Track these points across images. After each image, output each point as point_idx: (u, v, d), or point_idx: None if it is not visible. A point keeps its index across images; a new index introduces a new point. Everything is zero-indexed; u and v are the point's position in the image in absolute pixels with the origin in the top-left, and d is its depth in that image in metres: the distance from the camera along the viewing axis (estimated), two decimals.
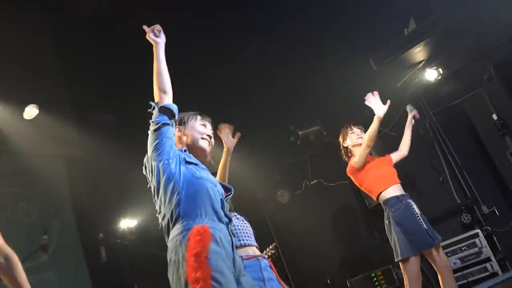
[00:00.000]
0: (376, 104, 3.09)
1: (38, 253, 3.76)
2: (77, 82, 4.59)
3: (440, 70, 4.46)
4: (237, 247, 2.23)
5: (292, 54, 4.86)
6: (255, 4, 4.59)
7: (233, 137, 2.72)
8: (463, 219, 4.28)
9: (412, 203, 3.16)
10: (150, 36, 1.95)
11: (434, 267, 3.16)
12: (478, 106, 4.21)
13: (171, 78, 1.91)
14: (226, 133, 2.70)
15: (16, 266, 1.58)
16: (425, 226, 3.08)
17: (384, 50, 4.42)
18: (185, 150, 1.96)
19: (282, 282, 2.42)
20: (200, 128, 2.09)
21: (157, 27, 1.98)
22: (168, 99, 1.87)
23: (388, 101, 3.08)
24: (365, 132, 3.23)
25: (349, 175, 3.39)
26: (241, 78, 4.96)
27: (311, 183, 5.09)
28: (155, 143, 1.79)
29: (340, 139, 3.49)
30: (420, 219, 3.10)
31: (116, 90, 4.57)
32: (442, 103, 4.60)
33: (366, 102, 3.13)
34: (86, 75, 4.52)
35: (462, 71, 4.49)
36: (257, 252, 2.44)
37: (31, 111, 4.46)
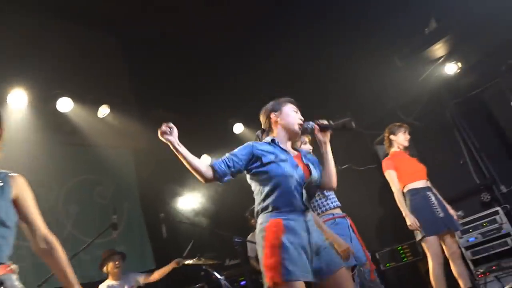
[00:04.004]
0: None
1: (109, 231, 4.05)
2: (141, 84, 5.21)
3: (459, 64, 4.71)
4: (331, 209, 2.86)
5: (324, 53, 5.14)
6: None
7: None
8: (482, 198, 4.54)
9: (431, 194, 3.58)
10: (164, 137, 1.95)
11: (445, 251, 3.53)
12: (496, 94, 4.43)
13: None
14: None
15: (59, 250, 1.76)
16: (441, 215, 3.48)
17: (407, 48, 4.70)
18: (272, 140, 2.17)
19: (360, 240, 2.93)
20: (293, 113, 2.23)
21: (168, 124, 1.98)
22: (208, 172, 2.01)
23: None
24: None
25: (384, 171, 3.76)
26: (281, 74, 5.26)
27: (342, 167, 5.24)
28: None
29: (388, 132, 3.85)
30: (436, 208, 3.50)
31: (175, 90, 5.17)
32: (462, 93, 4.79)
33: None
34: (148, 79, 5.13)
35: (480, 64, 4.66)
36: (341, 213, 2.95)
37: (103, 110, 5.12)
